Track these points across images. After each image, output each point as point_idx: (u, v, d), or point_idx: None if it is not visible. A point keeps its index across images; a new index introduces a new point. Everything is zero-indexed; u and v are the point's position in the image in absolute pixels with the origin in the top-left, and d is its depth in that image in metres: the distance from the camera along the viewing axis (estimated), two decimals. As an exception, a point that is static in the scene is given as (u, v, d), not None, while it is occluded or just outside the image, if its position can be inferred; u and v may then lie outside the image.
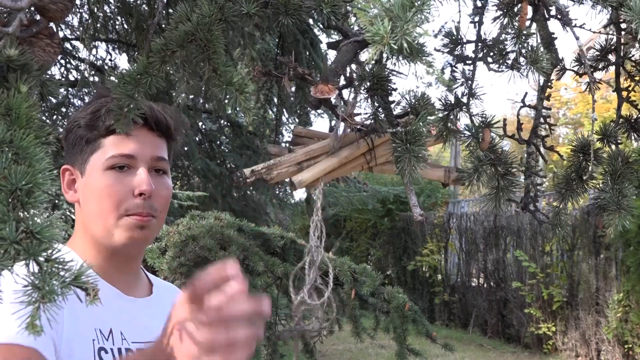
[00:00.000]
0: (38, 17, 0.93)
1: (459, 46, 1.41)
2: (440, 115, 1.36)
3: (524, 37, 1.26)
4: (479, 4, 1.38)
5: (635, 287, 7.65)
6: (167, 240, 3.39)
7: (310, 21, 5.75)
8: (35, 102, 0.77)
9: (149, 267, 3.19)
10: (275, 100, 7.10)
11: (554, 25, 1.41)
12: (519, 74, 1.28)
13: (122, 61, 7.77)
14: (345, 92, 1.39)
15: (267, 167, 1.44)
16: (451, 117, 1.37)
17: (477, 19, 1.39)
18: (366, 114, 1.39)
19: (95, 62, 7.34)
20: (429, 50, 1.03)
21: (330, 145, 1.46)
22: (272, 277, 3.46)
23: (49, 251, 0.63)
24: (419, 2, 0.95)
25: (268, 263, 3.41)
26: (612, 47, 1.54)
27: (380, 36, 0.93)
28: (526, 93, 1.53)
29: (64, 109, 7.12)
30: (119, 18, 6.15)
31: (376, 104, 1.37)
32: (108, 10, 6.00)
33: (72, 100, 7.34)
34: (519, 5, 1.29)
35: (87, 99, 7.58)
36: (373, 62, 0.99)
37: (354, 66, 1.37)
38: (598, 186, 1.42)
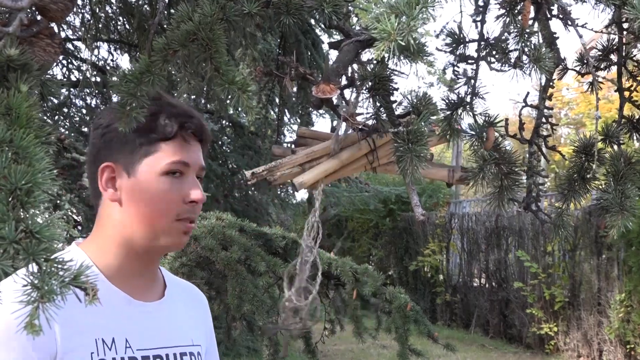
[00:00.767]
0: (39, 17, 0.93)
1: (461, 45, 1.40)
2: (443, 115, 1.36)
3: (526, 36, 1.26)
4: (481, 2, 1.38)
5: (637, 288, 7.64)
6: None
7: (312, 21, 5.74)
8: (36, 102, 0.77)
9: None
10: (277, 100, 7.10)
11: (555, 24, 1.41)
12: (522, 73, 1.28)
13: (124, 61, 7.74)
14: (347, 92, 1.39)
15: (268, 169, 1.44)
16: (454, 116, 1.36)
17: (479, 18, 1.38)
18: (368, 113, 1.39)
19: (97, 63, 7.34)
20: (430, 49, 1.03)
21: (331, 146, 1.45)
22: (274, 278, 3.45)
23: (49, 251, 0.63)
24: (424, -1, 0.95)
25: (270, 263, 3.41)
26: (614, 47, 1.54)
27: (387, 33, 0.93)
28: (528, 93, 1.53)
29: (65, 109, 7.12)
30: (120, 18, 6.15)
31: (378, 104, 1.36)
32: (110, 11, 6.01)
33: (73, 100, 7.35)
34: (522, 3, 1.28)
35: (88, 100, 7.60)
36: (379, 59, 0.99)
37: (355, 66, 1.37)
38: (600, 187, 1.42)
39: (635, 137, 1.56)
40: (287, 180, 1.47)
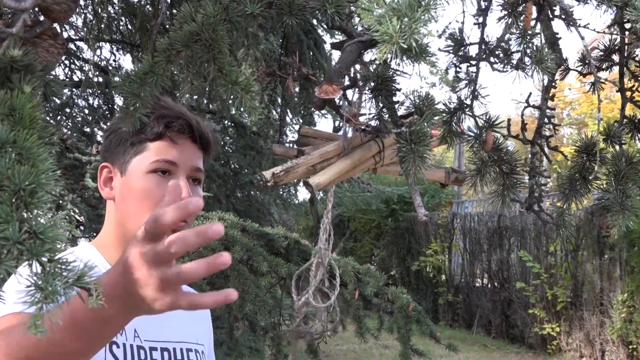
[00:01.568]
0: (42, 17, 0.93)
1: (463, 47, 1.40)
2: (444, 118, 1.36)
3: (528, 37, 1.26)
4: (483, 5, 1.38)
5: (640, 288, 7.64)
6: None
7: (314, 21, 5.74)
8: (39, 103, 0.77)
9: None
10: (279, 100, 7.10)
11: (557, 25, 1.41)
12: (524, 74, 1.28)
13: (127, 62, 7.75)
14: (350, 93, 1.39)
15: (285, 170, 1.45)
16: (454, 120, 1.37)
17: (481, 19, 1.38)
18: (370, 114, 1.39)
19: (100, 63, 7.35)
20: (432, 50, 1.03)
21: (341, 146, 1.46)
22: (276, 278, 3.46)
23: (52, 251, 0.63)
24: (426, 1, 0.95)
25: (272, 263, 3.40)
26: (616, 48, 1.53)
27: (389, 35, 0.93)
28: (530, 93, 1.53)
29: (68, 110, 7.12)
30: (123, 19, 6.15)
31: (380, 104, 1.37)
32: (112, 11, 6.01)
33: (76, 100, 7.35)
34: (524, 4, 1.28)
35: (91, 100, 7.60)
36: (381, 61, 0.99)
37: (358, 66, 1.37)
38: (602, 186, 1.42)
39: (637, 137, 1.55)
40: (293, 180, 1.47)
